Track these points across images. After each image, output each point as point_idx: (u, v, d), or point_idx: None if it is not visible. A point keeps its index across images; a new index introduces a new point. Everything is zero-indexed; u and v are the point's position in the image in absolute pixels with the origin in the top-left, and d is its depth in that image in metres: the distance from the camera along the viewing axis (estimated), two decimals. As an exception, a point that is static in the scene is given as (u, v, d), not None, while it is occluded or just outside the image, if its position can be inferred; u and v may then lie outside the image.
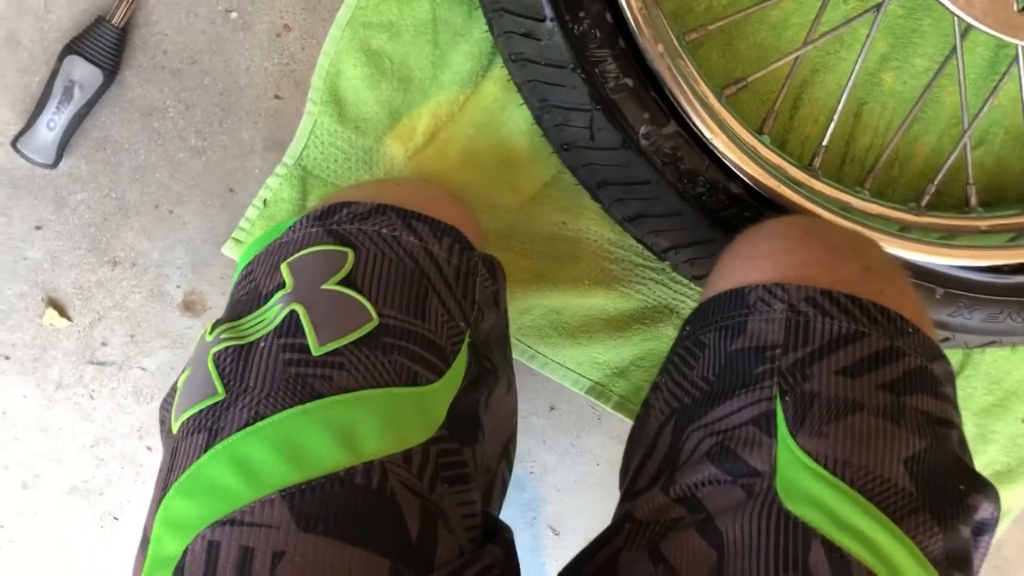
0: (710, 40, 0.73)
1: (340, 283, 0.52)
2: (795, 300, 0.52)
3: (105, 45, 0.67)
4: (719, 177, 0.68)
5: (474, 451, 0.54)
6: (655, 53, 0.63)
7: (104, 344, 0.77)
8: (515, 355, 0.80)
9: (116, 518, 0.82)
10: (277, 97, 0.72)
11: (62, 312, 0.76)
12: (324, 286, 0.51)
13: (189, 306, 0.77)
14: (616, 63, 0.64)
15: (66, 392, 0.78)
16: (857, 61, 0.70)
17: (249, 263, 0.58)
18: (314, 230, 0.56)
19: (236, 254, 0.74)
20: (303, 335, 0.49)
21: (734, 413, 0.51)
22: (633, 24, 0.62)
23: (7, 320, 0.75)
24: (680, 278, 0.79)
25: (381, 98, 0.72)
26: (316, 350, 0.48)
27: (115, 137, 0.72)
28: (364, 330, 0.50)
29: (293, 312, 0.50)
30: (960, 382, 0.82)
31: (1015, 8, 0.63)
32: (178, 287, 0.76)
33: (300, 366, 0.48)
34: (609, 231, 0.77)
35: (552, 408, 0.84)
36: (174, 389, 0.55)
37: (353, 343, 0.49)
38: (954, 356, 0.81)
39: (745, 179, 0.67)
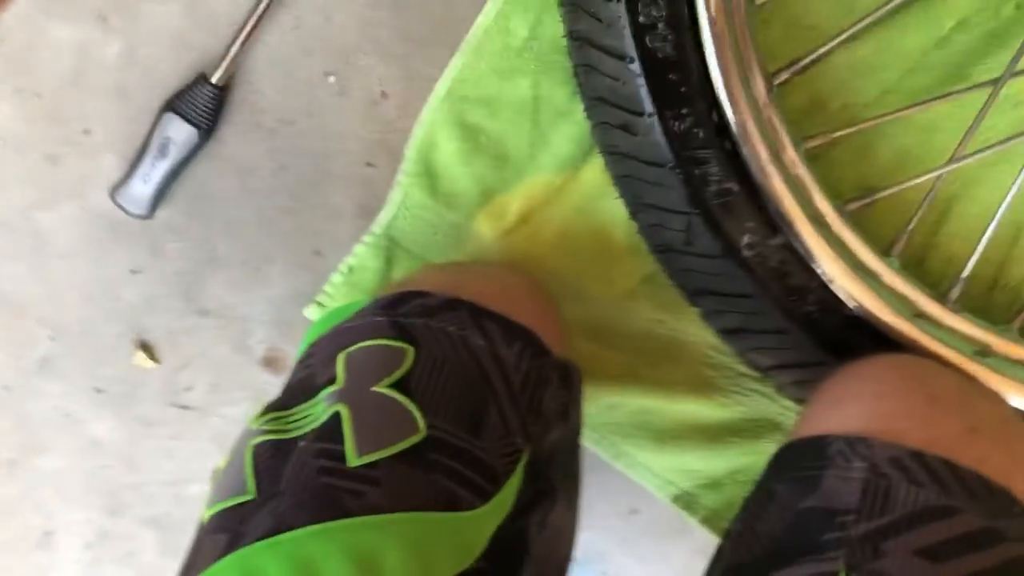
0: (845, 141, 0.64)
1: (392, 386, 0.48)
2: (878, 459, 0.45)
3: (202, 104, 0.66)
4: (832, 297, 0.60)
5: None
6: (760, 162, 0.56)
7: (188, 389, 0.78)
8: (599, 451, 0.75)
9: (191, 555, 0.83)
10: (369, 165, 0.70)
11: (151, 354, 0.77)
12: (375, 388, 0.48)
13: (270, 362, 0.76)
14: (719, 166, 0.57)
15: (151, 430, 0.79)
16: (1020, 177, 0.60)
17: (314, 343, 0.56)
18: (380, 319, 0.52)
19: (318, 317, 0.73)
20: (342, 441, 0.46)
21: None
22: (736, 128, 0.55)
23: (103, 356, 0.77)
24: (787, 393, 0.71)
25: (474, 174, 0.68)
26: (352, 460, 0.45)
27: (210, 190, 0.71)
28: (407, 443, 0.46)
29: (337, 413, 0.47)
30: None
31: None
32: (260, 343, 0.76)
33: (333, 476, 0.45)
34: (711, 335, 0.70)
35: (633, 511, 0.77)
36: (216, 472, 0.54)
37: (393, 456, 0.45)
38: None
39: (856, 311, 0.58)
